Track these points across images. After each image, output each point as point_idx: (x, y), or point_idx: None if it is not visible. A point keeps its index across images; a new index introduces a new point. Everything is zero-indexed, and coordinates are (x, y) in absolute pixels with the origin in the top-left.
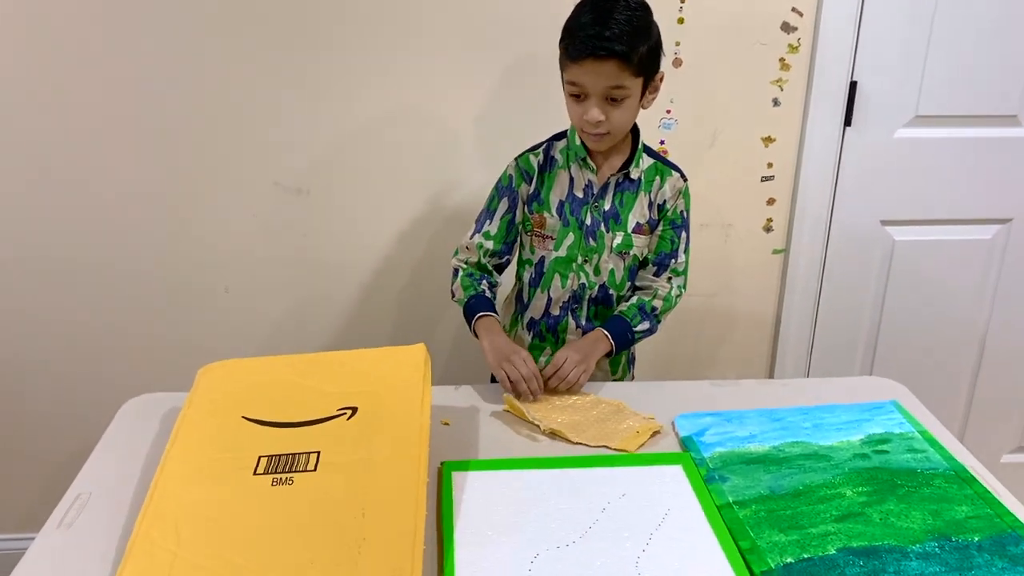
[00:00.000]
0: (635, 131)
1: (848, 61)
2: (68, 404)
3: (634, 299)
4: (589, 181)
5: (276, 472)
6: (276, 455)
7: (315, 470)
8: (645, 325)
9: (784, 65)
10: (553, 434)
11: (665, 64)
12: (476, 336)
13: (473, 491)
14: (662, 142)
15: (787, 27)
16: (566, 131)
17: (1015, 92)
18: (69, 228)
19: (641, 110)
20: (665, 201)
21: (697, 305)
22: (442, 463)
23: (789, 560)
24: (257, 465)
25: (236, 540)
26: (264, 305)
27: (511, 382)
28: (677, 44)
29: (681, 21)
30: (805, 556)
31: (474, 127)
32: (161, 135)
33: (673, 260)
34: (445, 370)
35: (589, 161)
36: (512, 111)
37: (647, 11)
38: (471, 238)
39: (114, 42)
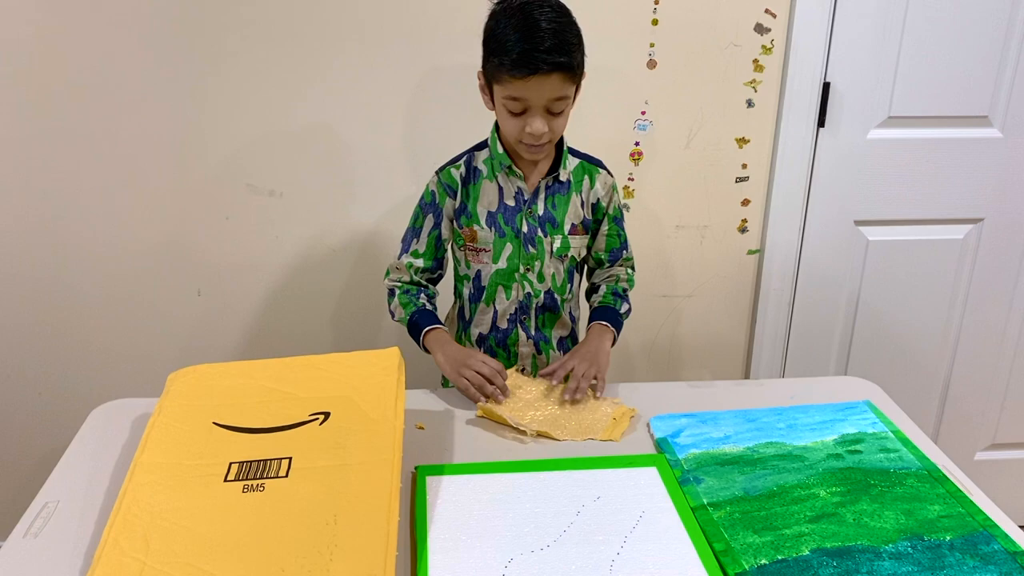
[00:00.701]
0: None
1: (821, 62)
2: (36, 411)
3: (602, 288)
4: (519, 188)
5: (247, 479)
6: (247, 461)
7: (287, 476)
8: (626, 306)
9: (758, 66)
10: (540, 435)
11: (639, 66)
12: (427, 351)
13: (447, 495)
14: (637, 143)
15: (760, 28)
16: (486, 141)
17: (986, 93)
18: (37, 232)
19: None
20: (599, 199)
21: (673, 306)
22: (416, 467)
23: (763, 561)
24: (228, 472)
25: (206, 548)
26: (237, 309)
27: (476, 388)
28: (652, 46)
29: (655, 23)
30: (779, 557)
31: (447, 131)
32: (131, 137)
33: (624, 251)
34: (420, 374)
35: (516, 168)
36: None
37: (567, 12)
38: (399, 259)
39: (80, 44)
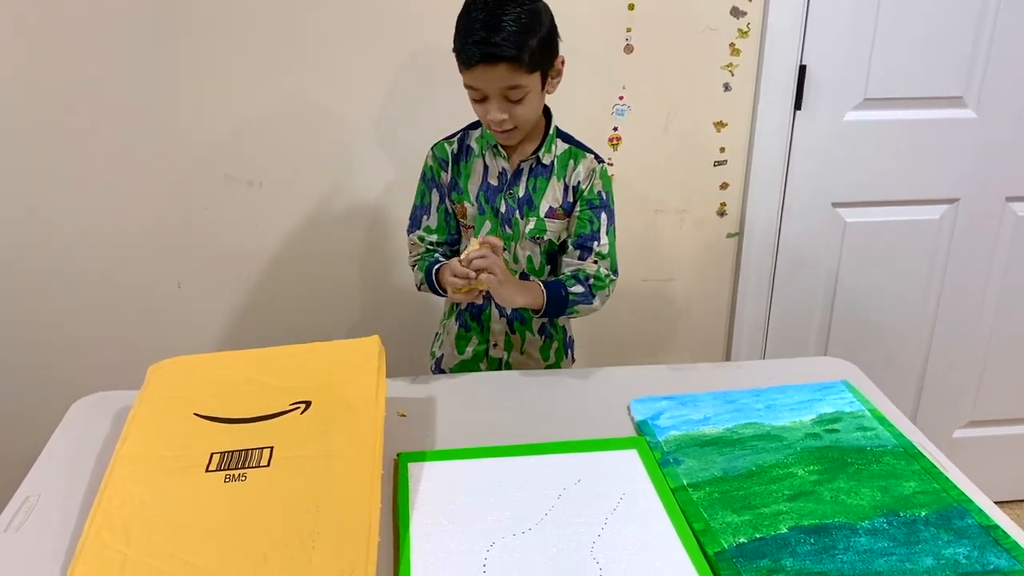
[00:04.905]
0: (548, 115)
1: (797, 45)
2: (15, 404)
3: (567, 270)
4: (503, 168)
5: (229, 468)
6: (228, 451)
7: (268, 466)
8: (579, 288)
9: (734, 50)
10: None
11: (616, 50)
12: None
13: (429, 482)
14: (615, 128)
15: (736, 12)
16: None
17: (960, 74)
18: (14, 225)
19: (549, 95)
20: (579, 183)
21: (653, 290)
22: (398, 454)
23: (742, 540)
24: (209, 462)
25: (188, 538)
26: (217, 300)
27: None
28: (628, 30)
29: (632, 7)
30: (757, 536)
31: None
32: (108, 128)
33: (595, 242)
34: (401, 362)
35: (500, 149)
36: None
37: (527, 2)
38: (410, 234)
39: (56, 36)
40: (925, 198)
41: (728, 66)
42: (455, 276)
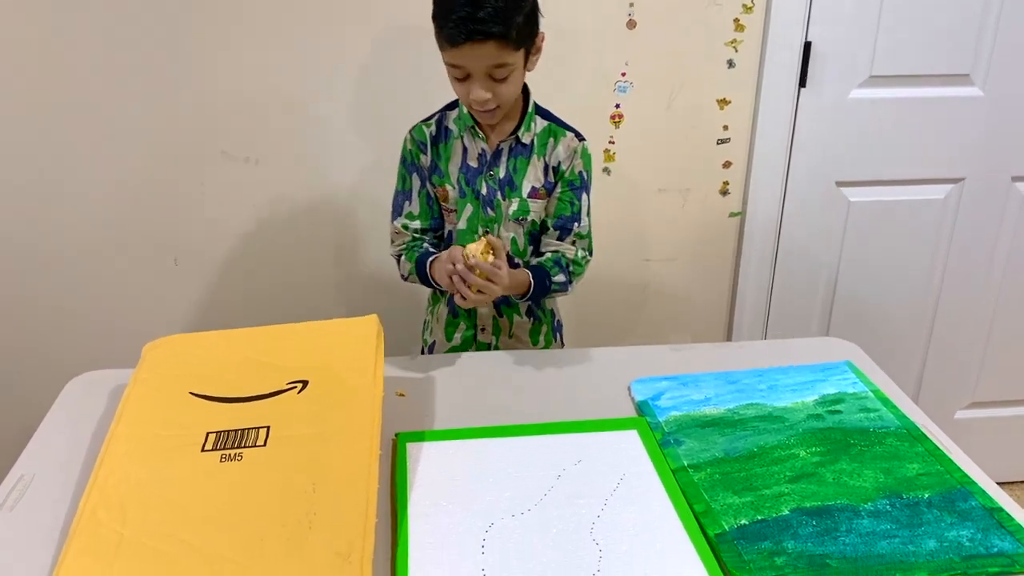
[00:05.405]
0: (525, 92)
1: (802, 22)
2: (10, 382)
3: (548, 254)
4: (482, 150)
5: (225, 448)
6: (225, 431)
7: (265, 445)
8: (561, 277)
9: (738, 26)
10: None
11: (619, 26)
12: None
13: (427, 462)
14: (617, 106)
15: None
16: (457, 100)
17: (967, 51)
18: (9, 201)
19: (530, 72)
20: (560, 163)
21: (655, 270)
22: (396, 434)
23: (743, 522)
24: (205, 442)
25: (184, 518)
26: (214, 278)
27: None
28: (631, 5)
29: None
30: (759, 518)
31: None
32: (103, 104)
33: (576, 224)
34: (400, 341)
35: (478, 130)
36: None
37: None
38: (394, 223)
39: (49, 12)
40: (930, 177)
41: (732, 42)
42: (452, 273)
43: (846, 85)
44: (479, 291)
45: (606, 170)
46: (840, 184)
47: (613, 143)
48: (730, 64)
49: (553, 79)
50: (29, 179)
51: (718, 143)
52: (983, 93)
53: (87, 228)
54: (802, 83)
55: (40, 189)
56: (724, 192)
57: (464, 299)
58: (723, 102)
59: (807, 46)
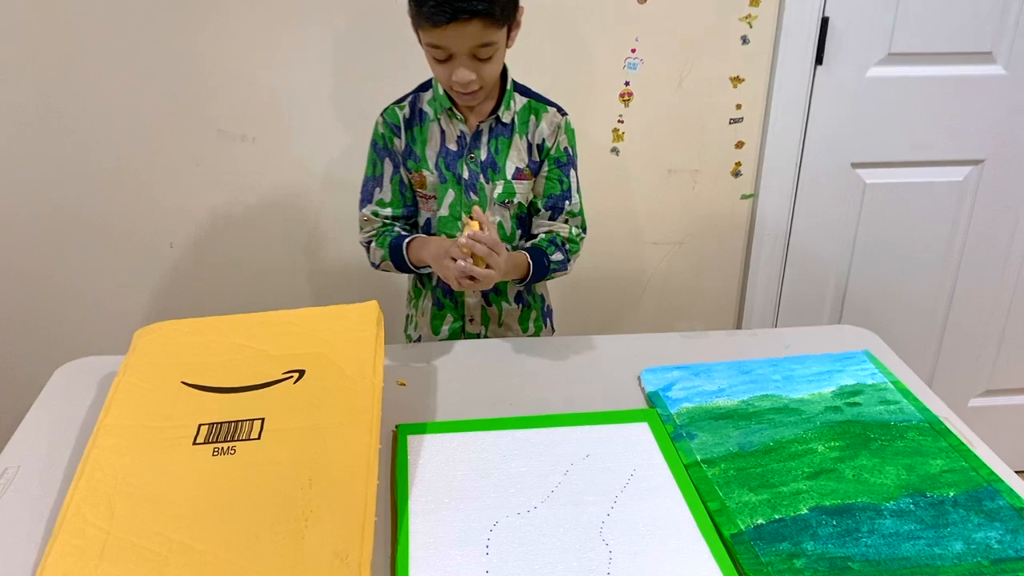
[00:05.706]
0: (503, 71)
1: None
2: None
3: (541, 234)
4: (461, 132)
5: (217, 441)
6: (217, 423)
7: (259, 438)
8: (558, 255)
9: (753, 0)
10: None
11: (629, 1)
12: (418, 268)
13: (429, 455)
14: (627, 83)
15: None
16: (431, 80)
17: (990, 28)
18: None
19: (508, 50)
20: (544, 140)
21: (664, 254)
22: (397, 426)
23: (760, 521)
24: (197, 434)
25: (174, 515)
26: (210, 261)
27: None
28: None
29: None
30: (776, 517)
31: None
32: (96, 83)
33: (567, 202)
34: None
35: (456, 111)
36: None
37: None
38: (362, 210)
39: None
40: (949, 159)
41: (746, 17)
42: (462, 271)
43: (864, 63)
44: (487, 266)
45: (614, 150)
46: (856, 165)
47: (622, 122)
48: (744, 40)
49: (560, 56)
50: (20, 161)
51: (730, 122)
52: (1006, 72)
53: (80, 210)
54: (818, 60)
55: (30, 170)
56: (736, 173)
57: (473, 280)
58: (736, 80)
59: (824, 22)
